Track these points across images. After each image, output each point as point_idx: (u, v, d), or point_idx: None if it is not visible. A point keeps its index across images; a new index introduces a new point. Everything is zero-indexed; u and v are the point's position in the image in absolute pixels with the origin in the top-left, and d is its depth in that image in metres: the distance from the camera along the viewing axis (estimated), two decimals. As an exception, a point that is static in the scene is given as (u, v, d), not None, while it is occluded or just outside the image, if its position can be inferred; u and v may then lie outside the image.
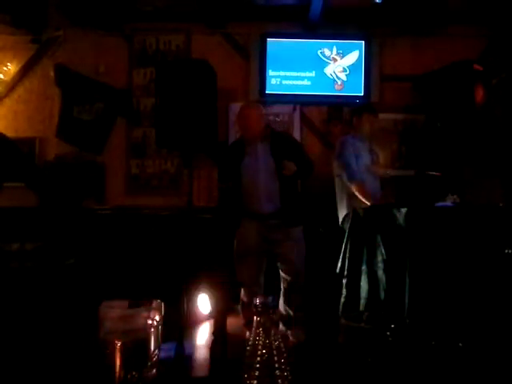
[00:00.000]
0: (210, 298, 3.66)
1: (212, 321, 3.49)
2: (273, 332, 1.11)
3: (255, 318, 1.15)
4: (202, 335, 3.36)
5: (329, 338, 2.81)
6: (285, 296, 3.18)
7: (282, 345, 1.10)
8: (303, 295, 3.17)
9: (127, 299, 2.30)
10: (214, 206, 4.33)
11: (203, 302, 3.71)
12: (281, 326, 2.91)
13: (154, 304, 2.30)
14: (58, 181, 4.22)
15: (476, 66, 3.98)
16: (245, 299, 3.12)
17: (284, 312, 3.14)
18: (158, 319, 2.20)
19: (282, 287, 3.20)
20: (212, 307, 3.63)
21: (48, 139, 4.53)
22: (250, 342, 1.11)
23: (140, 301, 2.27)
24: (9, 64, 4.56)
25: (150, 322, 2.03)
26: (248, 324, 3.04)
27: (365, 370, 1.77)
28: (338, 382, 1.78)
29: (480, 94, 4.01)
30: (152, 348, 2.02)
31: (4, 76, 4.56)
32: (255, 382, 1.04)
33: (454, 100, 3.97)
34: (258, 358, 1.06)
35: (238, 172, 3.12)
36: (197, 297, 3.68)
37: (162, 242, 3.90)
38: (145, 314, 2.12)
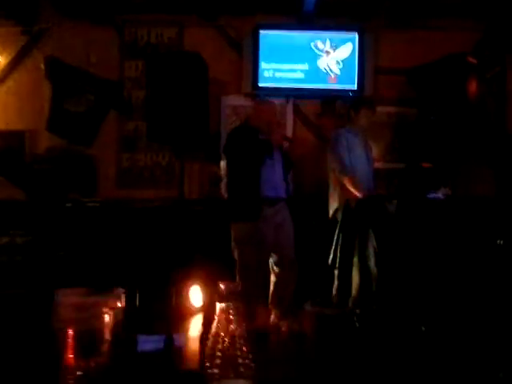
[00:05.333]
0: (202, 290, 3.63)
1: (203, 313, 3.47)
2: (235, 319, 1.08)
3: (218, 304, 1.12)
4: (194, 327, 3.34)
5: (321, 328, 2.79)
6: (278, 286, 3.19)
7: (244, 332, 1.08)
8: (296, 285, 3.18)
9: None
10: (206, 197, 4.31)
11: (195, 294, 3.68)
12: (273, 317, 2.90)
13: (114, 292, 2.25)
14: (47, 174, 4.17)
15: (470, 59, 3.96)
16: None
17: (277, 302, 3.14)
18: (116, 307, 2.14)
19: (273, 277, 3.21)
20: (204, 299, 3.61)
21: (38, 132, 4.48)
22: (212, 330, 1.08)
23: (99, 288, 2.23)
24: (-2, 56, 4.51)
25: (106, 309, 1.97)
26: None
27: (333, 358, 1.77)
28: (305, 368, 1.77)
29: (473, 87, 4.00)
30: (107, 337, 1.96)
31: (-6, 69, 4.51)
32: (216, 370, 1.02)
33: (447, 93, 3.96)
34: (220, 346, 1.04)
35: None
36: (189, 288, 3.65)
37: (153, 233, 3.87)
38: (101, 301, 2.07)
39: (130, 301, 2.53)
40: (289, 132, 4.39)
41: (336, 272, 2.91)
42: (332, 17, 4.48)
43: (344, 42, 4.54)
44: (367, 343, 1.86)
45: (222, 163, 3.69)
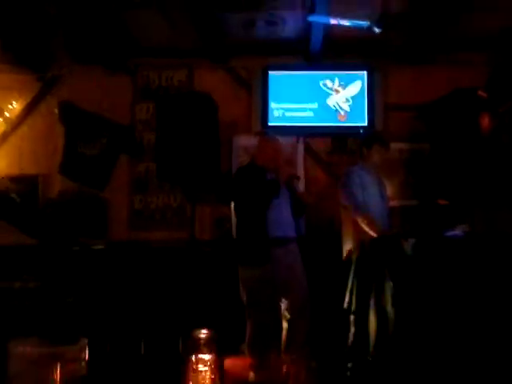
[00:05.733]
0: (212, 338, 3.52)
1: (213, 361, 3.35)
2: (210, 368, 1.03)
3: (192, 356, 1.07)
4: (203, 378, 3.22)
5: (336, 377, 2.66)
6: (290, 332, 3.05)
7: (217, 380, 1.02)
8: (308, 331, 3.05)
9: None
10: (218, 238, 4.25)
11: (206, 342, 3.57)
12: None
13: (75, 343, 2.08)
14: (59, 218, 4.16)
15: (480, 93, 3.92)
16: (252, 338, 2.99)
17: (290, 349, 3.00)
18: (77, 359, 1.98)
19: (285, 324, 3.07)
20: (214, 347, 3.49)
21: (52, 176, 4.52)
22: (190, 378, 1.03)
23: (57, 339, 2.07)
24: (14, 102, 4.61)
25: (62, 363, 1.80)
26: (256, 365, 2.90)
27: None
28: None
29: (486, 121, 3.94)
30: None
31: (9, 114, 4.60)
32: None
33: (459, 128, 3.90)
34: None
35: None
36: (198, 338, 3.55)
37: (162, 278, 3.80)
38: (61, 353, 1.91)
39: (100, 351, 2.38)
40: (300, 171, 4.34)
41: (352, 318, 2.78)
42: (340, 56, 4.51)
43: (353, 79, 4.56)
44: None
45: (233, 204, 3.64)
